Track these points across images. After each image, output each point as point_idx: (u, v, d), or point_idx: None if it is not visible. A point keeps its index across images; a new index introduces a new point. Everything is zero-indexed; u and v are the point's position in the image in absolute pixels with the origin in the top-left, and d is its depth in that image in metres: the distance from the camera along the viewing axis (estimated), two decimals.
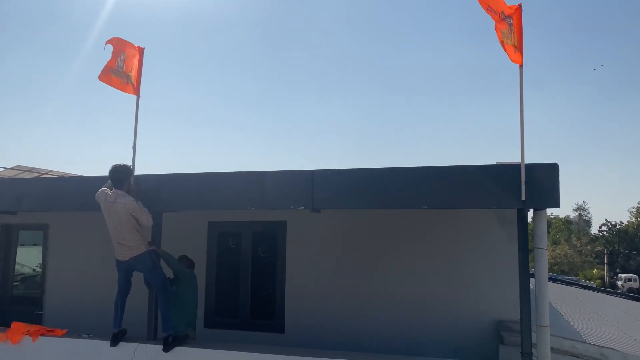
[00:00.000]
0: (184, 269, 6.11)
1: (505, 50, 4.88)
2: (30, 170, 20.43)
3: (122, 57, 5.96)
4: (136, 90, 6.03)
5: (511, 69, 4.95)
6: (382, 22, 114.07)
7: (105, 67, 5.93)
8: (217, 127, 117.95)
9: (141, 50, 6.07)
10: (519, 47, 4.75)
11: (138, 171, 5.83)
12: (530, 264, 5.13)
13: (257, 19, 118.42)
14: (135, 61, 6.02)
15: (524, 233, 4.95)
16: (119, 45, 5.97)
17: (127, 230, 5.43)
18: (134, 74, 6.00)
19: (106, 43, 5.89)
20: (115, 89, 5.98)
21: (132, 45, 6.05)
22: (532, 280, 5.28)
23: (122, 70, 5.96)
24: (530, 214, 5.30)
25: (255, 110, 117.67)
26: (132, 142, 5.84)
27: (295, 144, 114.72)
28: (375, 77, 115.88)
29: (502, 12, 4.79)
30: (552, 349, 4.82)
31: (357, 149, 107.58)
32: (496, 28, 4.94)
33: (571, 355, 6.18)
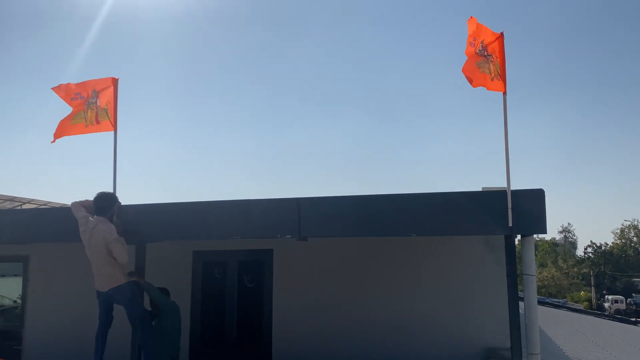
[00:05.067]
0: (167, 301, 5.97)
1: (475, 81, 4.92)
2: (12, 199, 20.09)
3: (93, 95, 5.84)
4: (113, 125, 5.87)
5: (494, 92, 5.00)
6: (365, 45, 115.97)
7: (62, 121, 5.83)
8: (201, 155, 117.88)
9: (115, 81, 5.91)
10: (502, 75, 4.81)
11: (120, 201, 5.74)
12: (518, 288, 5.10)
13: (244, 44, 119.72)
14: (110, 93, 5.86)
15: (512, 259, 4.92)
16: (81, 88, 5.87)
17: (106, 260, 5.28)
18: (110, 107, 5.84)
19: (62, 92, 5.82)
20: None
21: (103, 80, 5.91)
22: (521, 304, 5.24)
23: (97, 106, 5.81)
24: (518, 238, 5.30)
25: (240, 139, 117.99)
26: (112, 177, 5.78)
27: (281, 171, 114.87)
28: (360, 103, 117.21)
29: (482, 43, 4.85)
30: None
31: (342, 175, 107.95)
32: (470, 61, 4.97)
33: None
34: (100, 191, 5.55)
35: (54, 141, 5.88)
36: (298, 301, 7.23)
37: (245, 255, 7.57)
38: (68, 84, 5.92)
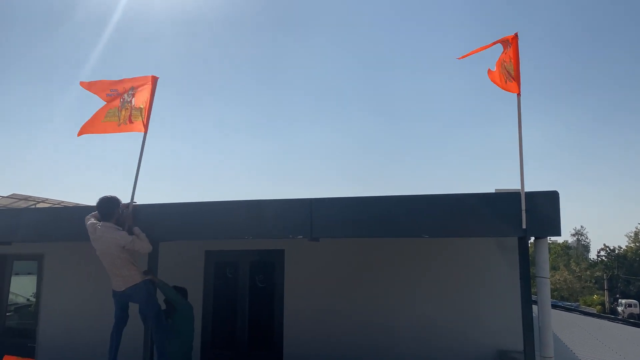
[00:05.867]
0: (181, 300, 6.01)
1: (498, 82, 4.91)
2: (26, 198, 20.31)
3: (130, 92, 5.52)
4: (145, 126, 5.55)
5: (507, 93, 4.97)
6: (375, 47, 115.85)
7: (94, 116, 5.54)
8: (212, 155, 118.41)
9: (154, 80, 5.57)
10: (515, 76, 4.78)
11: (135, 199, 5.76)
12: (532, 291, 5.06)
13: (251, 49, 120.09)
14: (147, 93, 5.50)
15: (526, 261, 4.89)
16: (116, 85, 5.57)
17: (120, 264, 5.32)
18: (145, 107, 5.51)
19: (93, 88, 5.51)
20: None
21: (142, 78, 5.59)
22: (534, 307, 5.20)
23: (131, 105, 5.51)
24: (531, 241, 5.25)
25: (251, 139, 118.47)
26: (134, 177, 5.67)
27: (290, 171, 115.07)
28: (370, 103, 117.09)
29: (507, 41, 4.83)
30: None
31: (352, 176, 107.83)
32: (500, 60, 4.95)
33: None
34: (101, 196, 5.51)
35: (80, 135, 5.66)
36: (309, 301, 7.24)
37: (257, 256, 7.60)
38: (102, 80, 5.60)
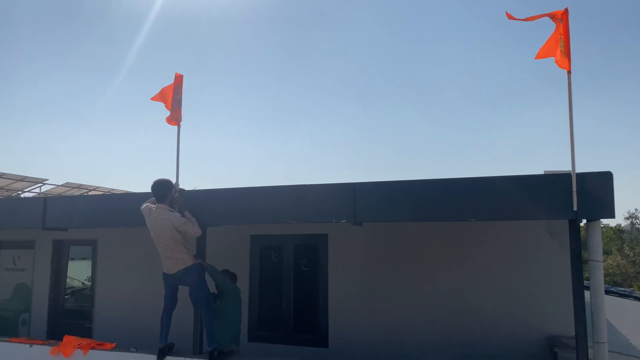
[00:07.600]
0: (228, 283, 6.14)
1: (557, 58, 4.73)
2: (79, 186, 21.17)
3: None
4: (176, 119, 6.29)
5: (558, 72, 4.79)
6: (416, 24, 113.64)
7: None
8: (255, 140, 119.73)
9: (180, 78, 6.29)
10: (566, 53, 4.60)
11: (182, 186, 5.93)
12: (584, 275, 4.91)
13: (288, 38, 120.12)
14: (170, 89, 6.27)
15: (577, 245, 4.73)
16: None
17: (174, 245, 5.51)
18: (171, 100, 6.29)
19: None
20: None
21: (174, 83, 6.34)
22: (586, 292, 5.05)
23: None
24: (582, 223, 5.09)
25: (291, 124, 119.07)
26: (175, 165, 6.06)
27: (329, 156, 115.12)
28: (414, 85, 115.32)
29: (556, 16, 4.66)
30: None
31: (398, 159, 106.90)
32: (555, 33, 4.77)
33: None
34: (156, 179, 5.75)
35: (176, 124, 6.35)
36: (353, 285, 7.26)
37: (301, 240, 7.67)
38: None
